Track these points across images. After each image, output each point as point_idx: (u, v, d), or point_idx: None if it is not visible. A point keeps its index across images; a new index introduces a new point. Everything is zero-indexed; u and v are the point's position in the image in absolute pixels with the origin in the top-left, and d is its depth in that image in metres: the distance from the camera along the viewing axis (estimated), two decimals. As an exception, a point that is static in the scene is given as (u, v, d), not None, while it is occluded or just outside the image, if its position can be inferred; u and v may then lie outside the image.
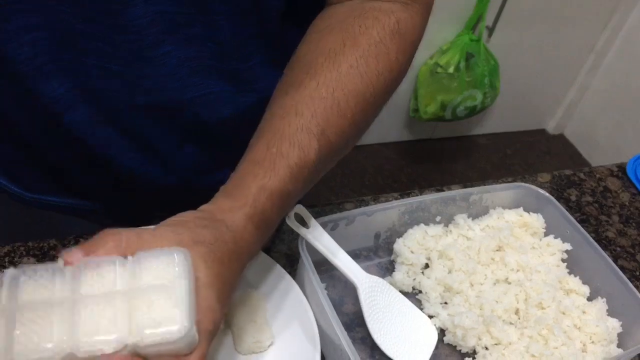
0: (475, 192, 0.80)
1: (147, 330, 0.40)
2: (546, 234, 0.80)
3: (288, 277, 0.66)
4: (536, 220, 0.80)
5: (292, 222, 0.66)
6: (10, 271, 0.42)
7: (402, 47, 0.58)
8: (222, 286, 0.46)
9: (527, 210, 0.81)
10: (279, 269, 0.67)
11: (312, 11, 0.62)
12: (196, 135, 0.68)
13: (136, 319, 0.41)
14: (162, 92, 0.61)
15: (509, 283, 0.73)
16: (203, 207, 0.50)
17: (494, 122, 2.48)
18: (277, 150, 0.51)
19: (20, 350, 0.39)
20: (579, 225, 0.77)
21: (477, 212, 0.81)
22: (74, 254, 0.43)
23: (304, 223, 0.65)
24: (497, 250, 0.76)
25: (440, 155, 2.41)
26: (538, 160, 2.49)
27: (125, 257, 0.43)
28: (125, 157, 0.67)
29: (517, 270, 0.74)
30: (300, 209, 0.67)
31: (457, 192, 0.79)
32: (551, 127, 2.64)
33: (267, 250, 0.71)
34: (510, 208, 0.81)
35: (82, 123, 0.62)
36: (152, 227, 0.47)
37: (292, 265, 0.71)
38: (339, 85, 0.54)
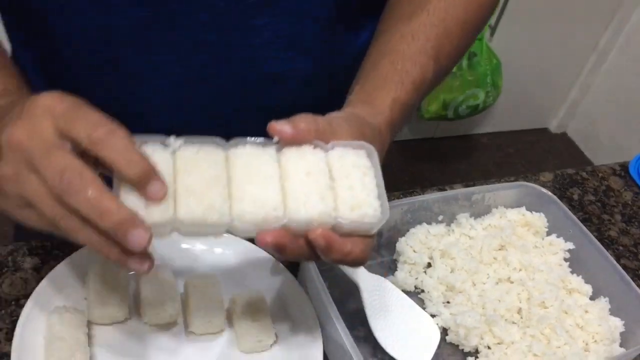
0: (478, 192, 0.80)
1: (350, 211, 0.45)
2: (548, 233, 0.80)
3: (290, 276, 0.66)
4: (538, 220, 0.80)
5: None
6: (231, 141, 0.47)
7: None
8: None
9: (529, 209, 0.81)
10: (281, 268, 0.67)
11: None
12: (266, 111, 0.69)
13: (339, 199, 0.45)
14: (254, 63, 0.63)
15: (511, 282, 0.73)
16: (349, 110, 0.55)
17: (496, 121, 2.48)
18: (402, 68, 0.58)
19: (243, 209, 0.44)
20: (581, 225, 0.77)
21: (480, 212, 0.81)
22: (284, 125, 0.46)
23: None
24: (500, 249, 0.76)
25: (442, 154, 2.41)
26: (540, 159, 2.48)
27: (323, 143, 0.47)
28: (192, 129, 0.68)
29: (520, 270, 0.74)
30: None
31: (459, 192, 0.79)
32: (554, 126, 2.64)
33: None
34: (512, 207, 0.81)
35: (161, 94, 0.64)
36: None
37: (294, 265, 0.71)
38: (447, 14, 0.61)
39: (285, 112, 0.70)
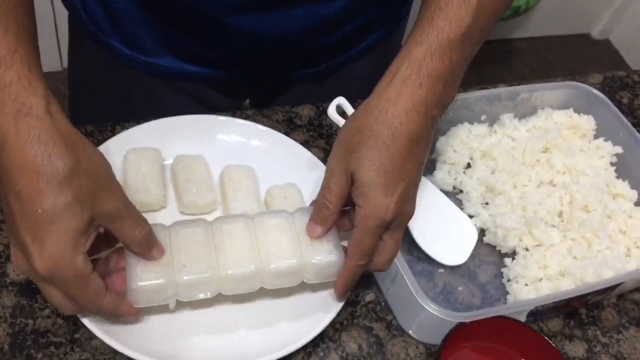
0: (524, 91, 0.76)
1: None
2: (596, 137, 0.76)
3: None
4: (586, 122, 0.76)
5: (332, 114, 0.63)
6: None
7: None
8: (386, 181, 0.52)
9: (577, 111, 0.77)
10: (317, 162, 0.65)
11: None
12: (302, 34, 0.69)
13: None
14: None
15: (554, 185, 0.71)
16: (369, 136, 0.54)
17: (536, 25, 2.37)
18: (436, 7, 0.56)
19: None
20: (632, 128, 0.73)
21: (524, 112, 0.77)
22: (316, 228, 0.55)
23: (345, 116, 0.63)
24: (544, 151, 0.74)
25: (478, 58, 2.32)
26: (580, 67, 2.39)
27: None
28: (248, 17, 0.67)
29: (564, 173, 0.72)
30: (341, 100, 0.64)
31: (503, 90, 0.76)
32: (596, 31, 2.52)
33: (307, 145, 0.69)
34: (559, 108, 0.78)
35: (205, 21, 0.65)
36: None
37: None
38: None
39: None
